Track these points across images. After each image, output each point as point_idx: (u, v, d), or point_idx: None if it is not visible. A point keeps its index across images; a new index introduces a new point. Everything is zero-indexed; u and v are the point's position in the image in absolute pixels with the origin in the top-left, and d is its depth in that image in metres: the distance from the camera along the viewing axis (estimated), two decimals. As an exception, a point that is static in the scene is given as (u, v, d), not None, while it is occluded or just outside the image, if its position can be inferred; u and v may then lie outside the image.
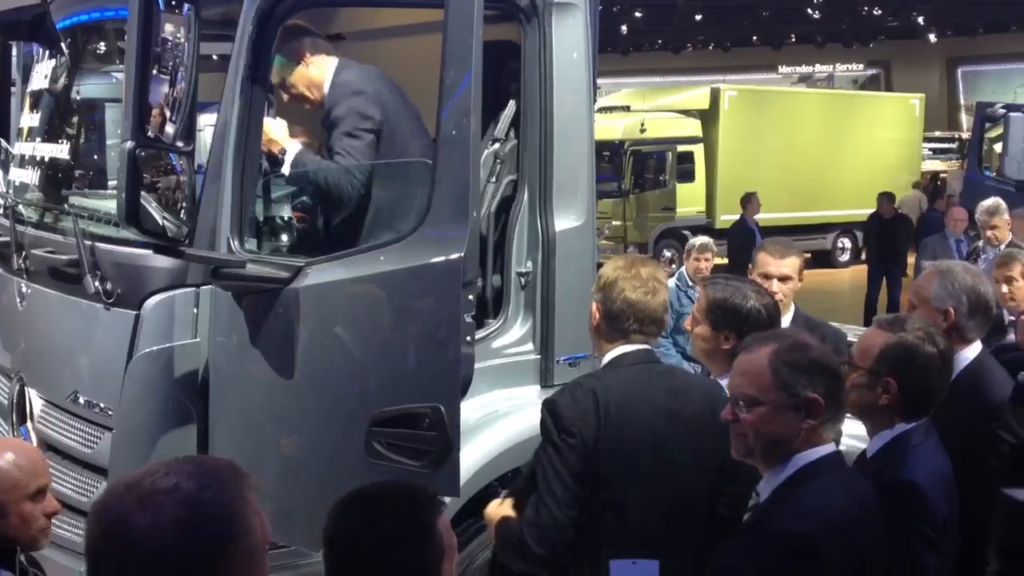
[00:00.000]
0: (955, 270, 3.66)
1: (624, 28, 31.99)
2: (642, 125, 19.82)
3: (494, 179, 4.31)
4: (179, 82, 3.23)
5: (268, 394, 3.47)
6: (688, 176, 20.16)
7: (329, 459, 3.39)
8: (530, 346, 4.33)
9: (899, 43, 35.43)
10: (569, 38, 4.22)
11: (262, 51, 3.60)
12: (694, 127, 20.47)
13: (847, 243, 21.88)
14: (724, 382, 3.48)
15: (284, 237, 3.91)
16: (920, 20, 32.81)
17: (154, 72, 3.17)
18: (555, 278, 4.27)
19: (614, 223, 18.38)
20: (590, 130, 4.36)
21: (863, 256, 17.93)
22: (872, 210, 15.32)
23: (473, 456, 3.84)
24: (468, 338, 3.27)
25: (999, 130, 12.23)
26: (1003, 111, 11.94)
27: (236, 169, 3.53)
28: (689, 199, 20.09)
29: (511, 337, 4.31)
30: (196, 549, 1.47)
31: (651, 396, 3.10)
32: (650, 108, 20.89)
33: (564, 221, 4.29)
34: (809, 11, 29.69)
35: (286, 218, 4.00)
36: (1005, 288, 5.24)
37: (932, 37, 34.41)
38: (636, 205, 19.59)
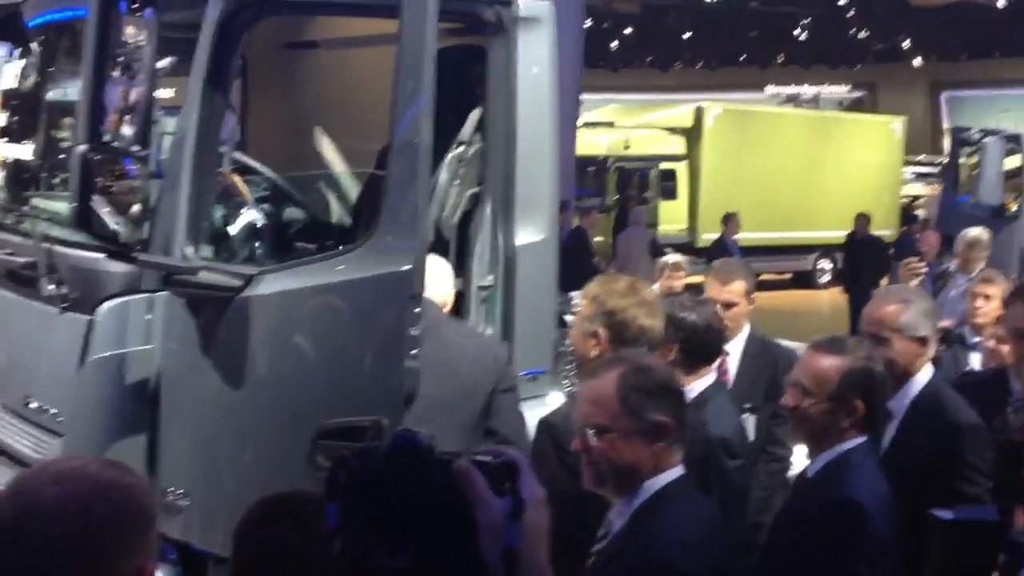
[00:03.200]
0: (912, 295, 3.67)
1: (614, 44, 32.12)
2: (626, 142, 19.87)
3: (458, 182, 4.29)
4: (137, 85, 3.22)
5: (216, 403, 3.45)
6: (671, 193, 20.21)
7: (274, 470, 3.37)
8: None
9: (885, 66, 35.65)
10: (535, 53, 4.22)
11: (223, 58, 3.59)
12: (678, 144, 20.53)
13: (827, 264, 21.93)
14: None
15: (239, 245, 3.89)
16: (906, 44, 33.03)
17: (114, 75, 3.17)
18: (516, 293, 4.26)
19: (596, 239, 18.39)
20: (554, 146, 4.36)
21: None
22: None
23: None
24: (413, 352, 3.26)
25: (975, 155, 12.31)
26: (978, 136, 12.00)
27: (193, 176, 3.51)
28: (672, 216, 20.13)
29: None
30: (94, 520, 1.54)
31: None
32: (634, 124, 20.96)
33: (526, 235, 4.29)
34: (796, 32, 29.84)
35: (241, 226, 3.99)
36: (979, 303, 5.24)
37: (917, 61, 34.65)
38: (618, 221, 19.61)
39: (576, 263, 13.50)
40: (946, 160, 12.74)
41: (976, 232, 7.71)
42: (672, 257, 7.50)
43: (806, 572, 2.81)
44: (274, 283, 3.38)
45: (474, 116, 4.31)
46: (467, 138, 4.31)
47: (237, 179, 3.91)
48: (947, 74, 36.55)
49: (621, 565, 2.36)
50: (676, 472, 2.42)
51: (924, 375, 3.55)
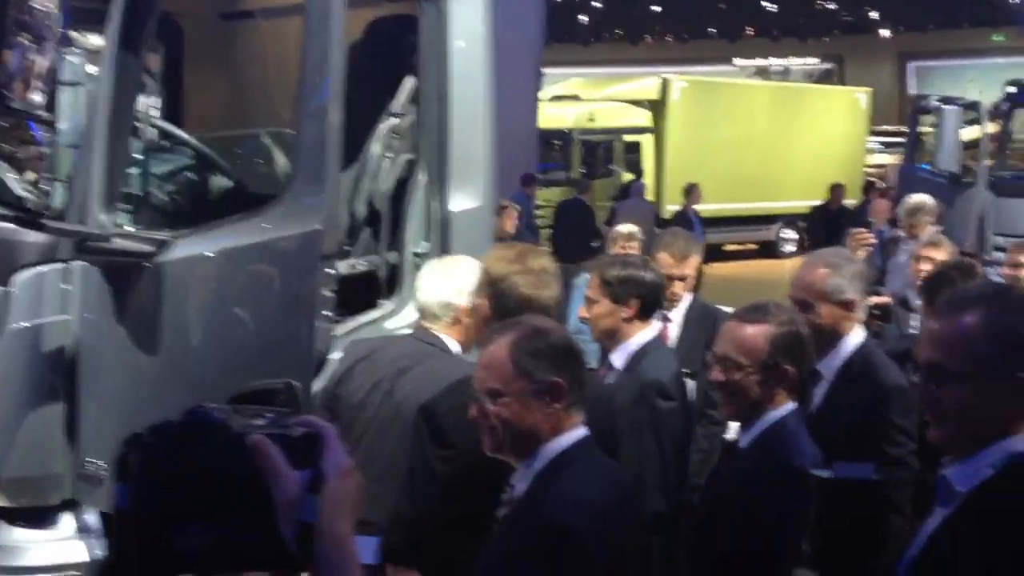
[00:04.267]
0: (838, 259, 3.65)
1: (584, 18, 32.04)
2: (591, 115, 19.79)
3: (391, 154, 4.26)
4: (45, 50, 3.15)
5: (134, 372, 3.41)
6: (636, 166, 20.16)
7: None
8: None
9: (852, 38, 35.73)
10: (468, 20, 4.20)
11: (136, 22, 3.51)
12: (644, 117, 20.46)
13: (791, 234, 22.01)
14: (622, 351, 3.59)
15: (155, 210, 3.84)
16: (874, 15, 33.11)
17: (19, 38, 3.09)
18: None
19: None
20: (488, 112, 4.34)
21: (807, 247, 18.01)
22: (818, 201, 15.42)
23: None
24: (326, 313, 3.22)
25: (935, 124, 12.33)
26: (936, 104, 12.02)
27: (108, 142, 3.45)
28: (637, 188, 20.08)
29: (405, 319, 4.23)
30: None
31: None
32: (600, 98, 20.86)
33: (461, 202, 4.29)
34: (765, 4, 29.84)
35: (157, 191, 3.93)
36: (923, 266, 5.24)
37: (885, 32, 34.74)
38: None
39: (579, 234, 13.67)
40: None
41: (918, 198, 7.74)
42: (625, 227, 7.45)
43: (743, 541, 2.76)
44: (188, 247, 3.34)
45: (407, 86, 4.28)
46: (400, 109, 4.28)
47: (153, 143, 3.83)
48: (914, 45, 36.66)
49: (520, 528, 2.34)
50: (577, 434, 2.40)
51: (855, 338, 3.54)
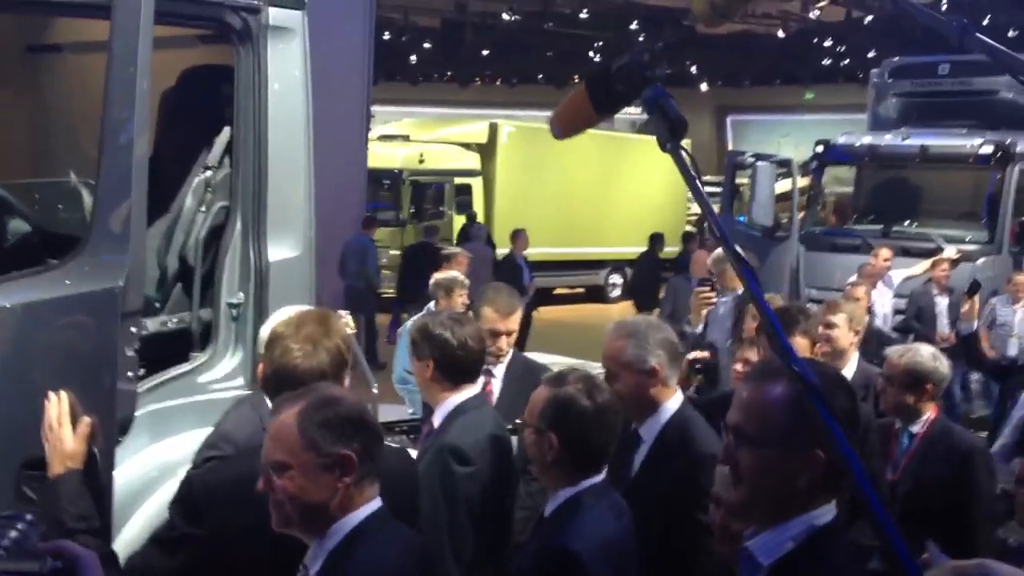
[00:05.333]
0: (640, 328, 3.59)
1: (413, 58, 32.13)
2: (421, 156, 19.83)
3: (203, 208, 4.13)
4: None
5: None
6: (466, 208, 20.28)
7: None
8: (241, 380, 4.16)
9: (673, 90, 36.80)
10: (286, 63, 4.11)
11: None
12: (473, 160, 20.65)
13: (618, 279, 22.53)
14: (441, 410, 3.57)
15: None
16: (693, 69, 34.44)
17: None
18: (269, 310, 4.10)
19: (391, 252, 18.26)
20: (307, 158, 4.26)
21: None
22: (642, 248, 15.86)
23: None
24: (129, 373, 3.06)
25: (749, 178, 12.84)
26: (752, 159, 12.52)
27: None
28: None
29: (221, 371, 4.14)
30: None
31: None
32: (429, 139, 20.95)
33: (279, 251, 4.18)
34: (590, 54, 30.65)
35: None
36: (750, 322, 5.33)
37: (703, 86, 36.17)
38: (414, 235, 19.54)
39: (427, 279, 13.33)
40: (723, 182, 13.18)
41: (719, 250, 8.02)
42: (450, 274, 7.42)
43: None
44: None
45: (223, 138, 4.16)
46: (215, 162, 4.17)
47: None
48: (731, 99, 38.33)
49: None
50: (371, 507, 2.32)
51: (672, 403, 3.52)
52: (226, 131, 4.14)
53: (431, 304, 7.22)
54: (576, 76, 35.73)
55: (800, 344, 4.27)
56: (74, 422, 2.84)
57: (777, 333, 1.56)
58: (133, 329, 3.07)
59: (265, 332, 3.30)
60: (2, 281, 3.20)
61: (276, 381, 2.84)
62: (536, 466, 2.96)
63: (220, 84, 4.14)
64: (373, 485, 2.33)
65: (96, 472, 2.93)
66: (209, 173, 4.15)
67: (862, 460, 4.10)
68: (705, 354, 4.60)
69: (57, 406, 2.84)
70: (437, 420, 3.58)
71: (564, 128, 1.93)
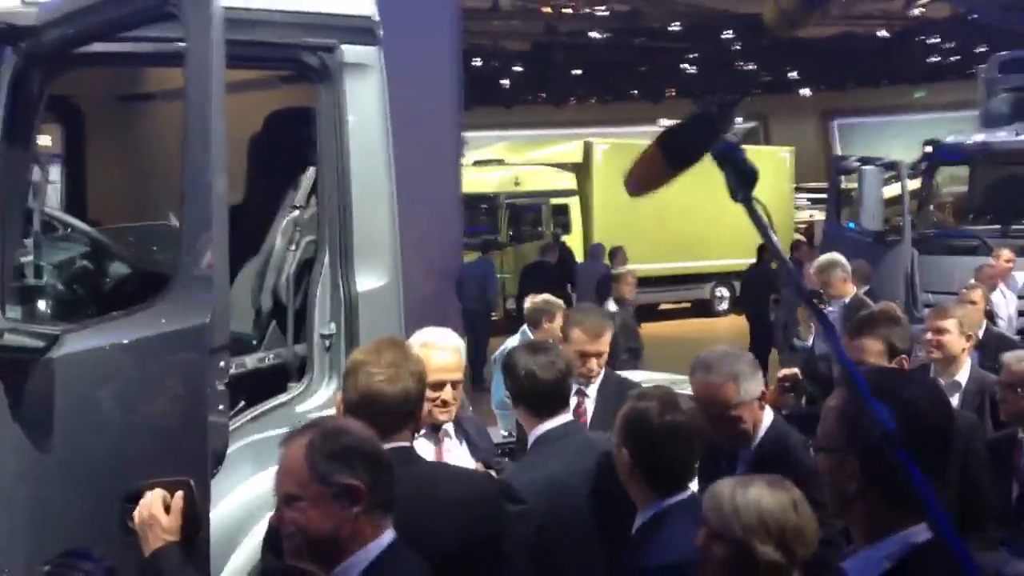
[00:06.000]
0: (734, 362, 3.46)
1: (505, 82, 32.43)
2: (516, 179, 19.95)
3: (293, 247, 4.23)
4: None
5: (23, 469, 3.28)
6: (565, 228, 20.30)
7: (83, 536, 3.18)
8: (334, 411, 4.21)
9: (775, 97, 36.57)
10: (364, 98, 4.18)
11: (20, 113, 3.46)
12: (569, 180, 20.67)
13: (725, 292, 22.24)
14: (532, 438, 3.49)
15: (44, 304, 3.74)
16: (793, 75, 33.96)
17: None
18: (359, 339, 4.17)
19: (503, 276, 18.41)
20: (390, 189, 4.31)
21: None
22: (750, 260, 15.61)
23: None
24: (220, 407, 3.13)
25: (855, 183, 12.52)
26: (856, 164, 12.21)
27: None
28: (567, 250, 20.21)
29: (316, 401, 4.19)
30: None
31: None
32: (524, 162, 21.06)
33: (367, 281, 4.23)
34: (683, 66, 30.48)
35: (50, 284, 3.83)
36: (930, 336, 5.24)
37: (805, 91, 35.63)
38: (514, 257, 19.63)
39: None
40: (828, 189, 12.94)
41: (827, 256, 7.88)
42: (543, 298, 7.31)
43: None
44: (78, 343, 3.25)
45: (308, 178, 4.28)
46: (302, 201, 4.29)
47: (45, 233, 3.75)
48: (835, 102, 37.65)
49: None
50: (385, 540, 2.30)
51: (765, 421, 3.51)
52: (311, 171, 4.25)
53: (525, 327, 7.21)
54: (671, 89, 35.62)
55: (872, 347, 4.14)
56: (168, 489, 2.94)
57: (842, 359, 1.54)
58: (222, 364, 3.14)
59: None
60: (99, 322, 3.33)
61: (363, 407, 2.86)
62: (622, 482, 2.91)
63: (303, 126, 4.24)
64: (386, 516, 2.32)
65: (196, 532, 3.00)
66: (297, 213, 4.26)
67: (968, 471, 3.96)
68: (794, 371, 4.51)
69: (148, 506, 2.93)
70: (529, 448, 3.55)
71: (640, 186, 1.95)
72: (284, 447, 2.34)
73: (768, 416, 3.52)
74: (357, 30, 4.20)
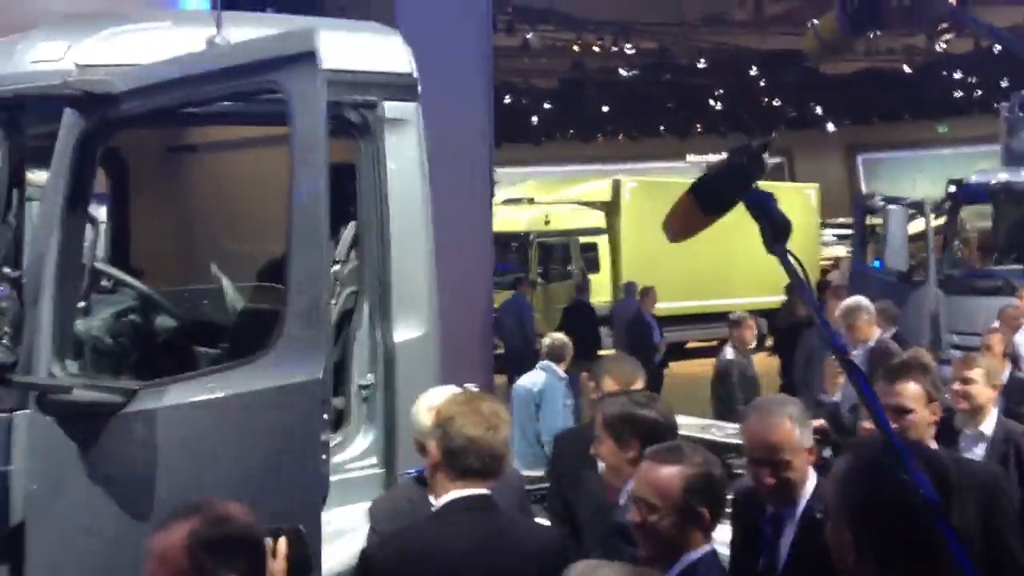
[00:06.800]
0: (791, 406, 3.45)
1: (535, 119, 32.62)
2: (546, 217, 20.06)
3: (334, 301, 4.30)
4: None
5: (100, 523, 3.32)
6: (594, 266, 20.36)
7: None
8: (374, 459, 4.30)
9: (800, 132, 36.54)
10: (403, 152, 4.28)
11: (82, 174, 3.58)
12: (598, 218, 20.75)
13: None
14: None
15: (110, 359, 3.85)
16: (818, 110, 33.95)
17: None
18: (397, 390, 4.26)
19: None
20: (427, 241, 4.41)
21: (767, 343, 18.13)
22: (777, 297, 15.59)
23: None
24: (324, 456, 3.23)
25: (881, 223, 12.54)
26: (882, 203, 12.24)
27: (55, 293, 3.46)
28: (595, 289, 20.23)
29: (354, 451, 4.28)
30: None
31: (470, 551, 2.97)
32: (554, 200, 21.16)
33: (404, 331, 4.31)
34: (711, 102, 30.57)
35: (111, 340, 3.95)
36: (958, 386, 5.12)
37: (830, 126, 35.60)
38: (543, 296, 19.70)
39: (585, 336, 13.73)
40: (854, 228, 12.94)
41: (852, 300, 7.86)
42: (557, 336, 7.68)
43: None
44: (160, 397, 3.31)
45: (348, 232, 4.36)
46: (343, 255, 4.38)
47: (101, 293, 3.88)
48: (860, 137, 37.55)
49: None
50: None
51: (811, 478, 3.39)
52: (351, 225, 4.34)
53: (548, 363, 7.54)
54: (698, 125, 35.72)
55: (913, 391, 4.12)
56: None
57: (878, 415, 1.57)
58: (326, 416, 3.23)
59: (423, 416, 3.44)
60: (194, 376, 3.44)
61: (462, 456, 2.97)
62: (666, 548, 2.88)
63: (344, 181, 4.34)
64: None
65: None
66: (338, 267, 4.34)
67: (992, 523, 3.93)
68: (820, 422, 4.48)
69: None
70: (622, 498, 3.46)
71: (677, 233, 2.06)
72: (162, 532, 2.26)
73: (813, 476, 3.38)
74: (398, 87, 4.30)
